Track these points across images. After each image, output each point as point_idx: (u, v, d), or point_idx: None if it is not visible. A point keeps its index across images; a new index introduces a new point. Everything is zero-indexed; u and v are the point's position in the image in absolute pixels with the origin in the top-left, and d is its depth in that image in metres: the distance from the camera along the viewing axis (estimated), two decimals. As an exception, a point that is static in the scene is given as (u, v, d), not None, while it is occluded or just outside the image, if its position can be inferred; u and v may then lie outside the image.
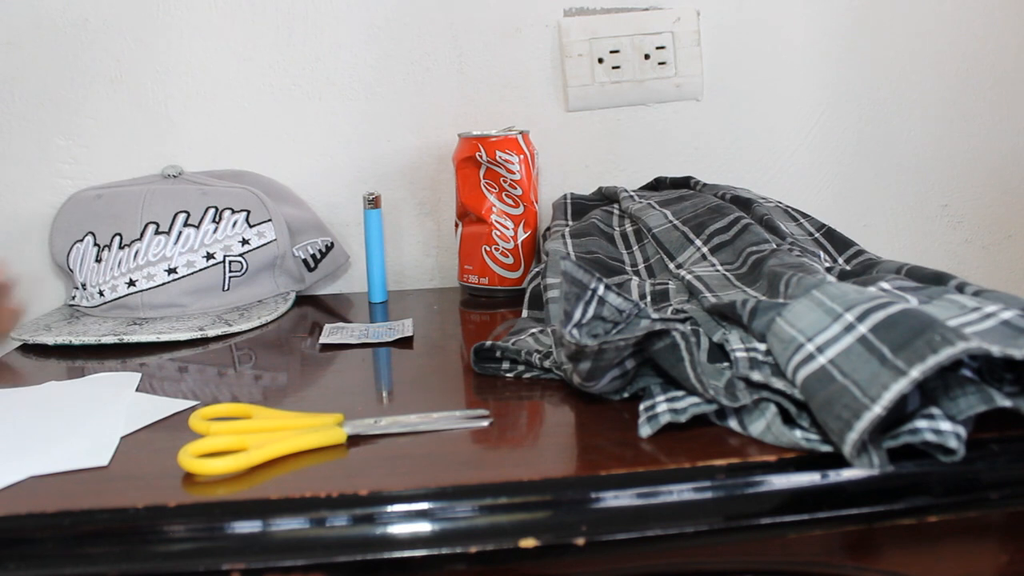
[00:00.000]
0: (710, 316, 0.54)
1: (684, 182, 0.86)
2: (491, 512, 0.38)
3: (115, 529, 0.38)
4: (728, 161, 0.94)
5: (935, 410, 0.39)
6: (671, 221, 0.72)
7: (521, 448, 0.44)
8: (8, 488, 0.41)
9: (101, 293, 0.77)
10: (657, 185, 0.89)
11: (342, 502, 0.38)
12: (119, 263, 0.77)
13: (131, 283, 0.76)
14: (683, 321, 0.53)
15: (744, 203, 0.73)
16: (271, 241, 0.80)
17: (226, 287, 0.79)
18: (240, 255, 0.79)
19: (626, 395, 0.48)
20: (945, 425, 0.38)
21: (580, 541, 0.38)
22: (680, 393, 0.45)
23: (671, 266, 0.67)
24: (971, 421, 0.39)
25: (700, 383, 0.43)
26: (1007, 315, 0.41)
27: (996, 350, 0.36)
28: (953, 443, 0.38)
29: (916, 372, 0.36)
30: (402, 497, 0.38)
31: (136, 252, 0.77)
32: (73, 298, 0.82)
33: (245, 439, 0.44)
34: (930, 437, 0.38)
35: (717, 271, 0.63)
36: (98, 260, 0.78)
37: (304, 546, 0.37)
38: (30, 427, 0.50)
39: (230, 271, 0.79)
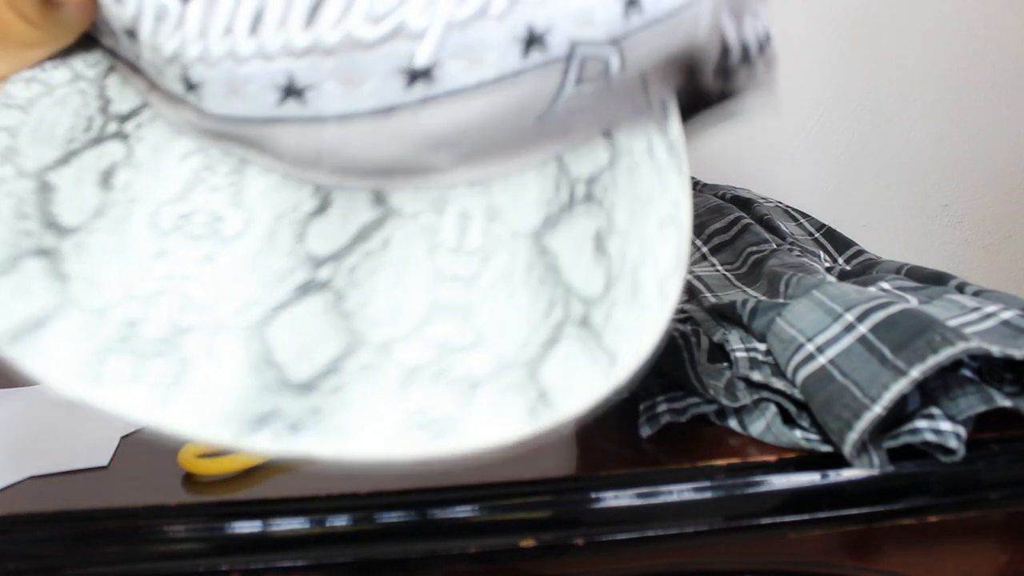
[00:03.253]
0: (710, 316, 0.54)
1: (684, 182, 0.86)
2: (491, 512, 0.38)
3: (115, 529, 0.38)
4: (728, 161, 0.94)
5: (935, 410, 0.39)
6: (671, 221, 0.72)
7: (521, 448, 0.44)
8: (8, 488, 0.41)
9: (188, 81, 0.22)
10: (657, 185, 0.89)
11: (342, 502, 0.38)
12: None
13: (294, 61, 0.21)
14: (683, 321, 0.53)
15: (744, 203, 0.73)
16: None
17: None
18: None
19: (626, 395, 0.48)
20: (945, 425, 0.38)
21: (580, 541, 0.38)
22: (680, 393, 0.45)
23: (671, 266, 0.67)
24: (971, 421, 0.39)
25: (700, 383, 0.43)
26: (1007, 315, 0.41)
27: (996, 350, 0.36)
28: (953, 443, 0.37)
29: (916, 372, 0.36)
30: (402, 497, 0.38)
31: None
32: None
33: (245, 439, 0.43)
34: (930, 437, 0.38)
35: (717, 271, 0.63)
36: None
37: (304, 546, 0.37)
38: (30, 427, 0.50)
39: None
